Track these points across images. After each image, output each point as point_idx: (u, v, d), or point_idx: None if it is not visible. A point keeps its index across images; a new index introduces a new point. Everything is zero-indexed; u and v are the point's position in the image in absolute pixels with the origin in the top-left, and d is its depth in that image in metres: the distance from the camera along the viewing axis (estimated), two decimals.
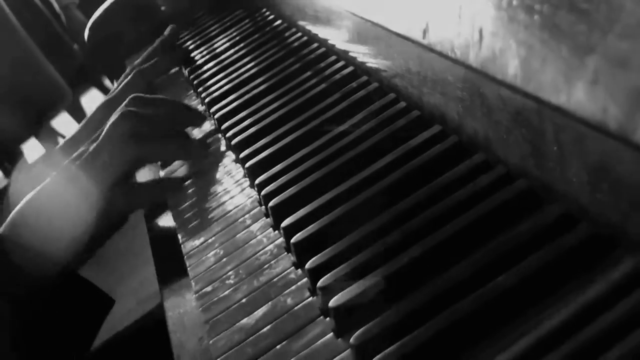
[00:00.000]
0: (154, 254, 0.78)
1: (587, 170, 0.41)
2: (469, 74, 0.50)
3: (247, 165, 0.73)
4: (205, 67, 1.07)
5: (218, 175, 0.79)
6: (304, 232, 0.57)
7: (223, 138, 0.85)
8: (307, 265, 0.54)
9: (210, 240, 0.67)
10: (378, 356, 0.43)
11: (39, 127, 2.74)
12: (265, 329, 0.53)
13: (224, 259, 0.63)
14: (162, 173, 0.87)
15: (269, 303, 0.55)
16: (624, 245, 0.41)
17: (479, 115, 0.52)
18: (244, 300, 0.57)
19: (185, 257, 0.67)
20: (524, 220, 0.46)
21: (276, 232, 0.63)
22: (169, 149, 0.84)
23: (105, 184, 0.79)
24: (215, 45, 1.15)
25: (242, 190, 0.73)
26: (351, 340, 0.45)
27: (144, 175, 0.93)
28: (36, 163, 1.02)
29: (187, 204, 0.77)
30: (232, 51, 1.07)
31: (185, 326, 0.60)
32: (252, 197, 0.70)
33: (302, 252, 0.56)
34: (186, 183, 0.81)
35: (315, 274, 0.53)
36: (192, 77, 1.07)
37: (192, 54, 1.17)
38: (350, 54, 0.79)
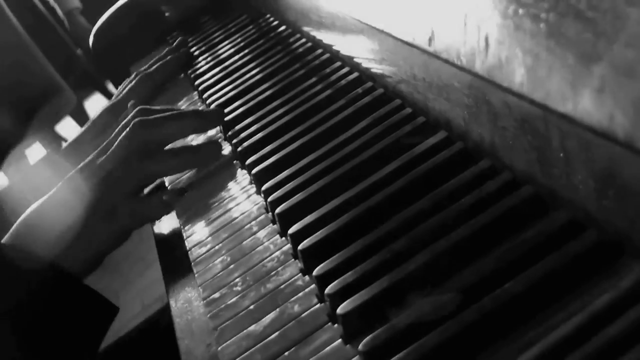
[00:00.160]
0: (161, 261, 0.78)
1: (593, 177, 0.41)
2: (475, 81, 0.51)
3: (253, 172, 0.73)
4: (210, 73, 1.08)
5: (224, 182, 0.79)
6: (311, 238, 0.57)
7: (229, 144, 0.85)
8: (315, 272, 0.54)
9: (217, 247, 0.68)
10: None
11: (31, 122, 2.73)
12: (273, 336, 0.53)
13: (231, 266, 0.64)
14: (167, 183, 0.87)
15: (277, 310, 0.55)
16: (630, 252, 0.41)
17: (485, 122, 0.53)
18: (251, 307, 0.57)
19: (192, 264, 0.68)
20: (531, 227, 0.47)
21: (283, 238, 0.63)
22: (181, 162, 0.84)
23: (114, 200, 0.79)
24: (220, 51, 1.15)
25: (249, 196, 0.73)
26: (359, 346, 0.46)
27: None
28: (38, 165, 1.02)
29: (194, 210, 0.77)
30: (237, 57, 1.08)
31: (193, 333, 0.60)
32: (258, 203, 0.71)
33: (309, 258, 0.57)
34: (193, 189, 0.81)
35: (322, 281, 0.53)
36: (197, 82, 1.07)
37: (197, 60, 1.17)
38: (355, 59, 0.79)
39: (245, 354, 0.53)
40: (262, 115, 0.85)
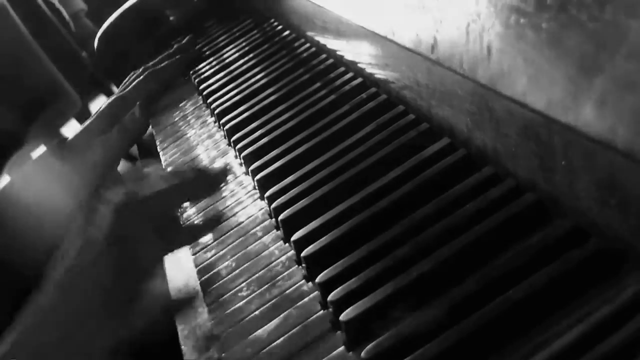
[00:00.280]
0: (166, 265, 0.78)
1: (596, 186, 0.41)
2: (478, 88, 0.51)
3: (257, 177, 0.73)
4: (214, 78, 1.08)
5: (229, 186, 0.80)
6: (314, 245, 0.58)
7: (233, 149, 0.85)
8: (318, 279, 0.54)
9: (222, 252, 0.68)
10: None
11: (35, 124, 2.73)
12: (277, 342, 0.53)
13: (236, 271, 0.64)
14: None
15: (281, 316, 0.56)
16: (633, 259, 0.41)
17: (488, 129, 0.53)
18: (256, 313, 0.57)
19: (197, 268, 0.68)
20: (534, 234, 0.47)
21: (287, 244, 0.64)
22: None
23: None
24: (225, 56, 1.15)
25: (254, 201, 0.73)
26: (362, 354, 0.46)
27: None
28: (43, 156, 1.01)
29: (199, 214, 0.78)
30: (241, 62, 1.08)
31: (197, 338, 0.61)
32: (263, 208, 0.71)
33: (312, 265, 0.57)
34: None
35: (325, 288, 0.53)
36: (201, 87, 1.07)
37: (201, 64, 1.17)
38: (359, 65, 0.79)
39: None
40: (266, 120, 0.85)
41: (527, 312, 0.43)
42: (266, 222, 0.68)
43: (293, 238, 0.60)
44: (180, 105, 1.10)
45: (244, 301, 0.60)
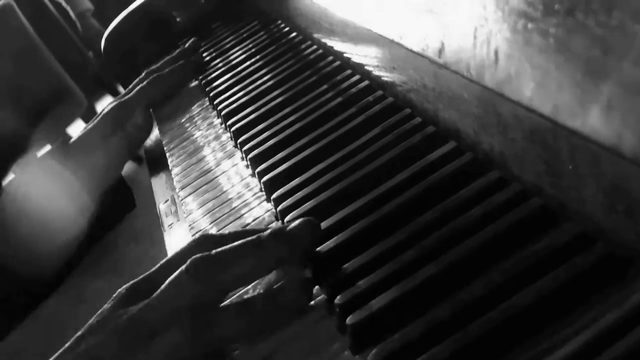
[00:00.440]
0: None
1: (602, 191, 0.41)
2: (485, 93, 0.51)
3: (263, 180, 0.73)
4: (221, 79, 1.08)
5: (236, 188, 0.80)
6: (320, 248, 0.58)
7: (240, 151, 0.85)
8: (324, 283, 0.54)
9: None
10: None
11: (41, 124, 2.74)
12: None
13: None
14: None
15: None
16: (639, 265, 0.41)
17: (494, 133, 0.53)
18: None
19: None
20: (540, 239, 0.47)
21: None
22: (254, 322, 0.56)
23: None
24: (231, 57, 1.15)
25: (260, 203, 0.74)
26: (368, 358, 0.46)
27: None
28: (45, 157, 1.02)
29: (206, 216, 0.78)
30: (247, 63, 1.08)
31: None
32: (269, 210, 0.71)
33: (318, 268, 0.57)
34: (205, 195, 0.82)
35: (332, 291, 0.53)
36: (207, 89, 1.08)
37: (208, 66, 1.18)
38: (366, 67, 0.79)
39: None
40: (273, 122, 0.85)
41: (533, 317, 0.43)
42: (273, 224, 0.68)
43: None
44: (187, 106, 1.10)
45: None
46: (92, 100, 3.51)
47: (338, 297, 0.52)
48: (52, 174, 0.92)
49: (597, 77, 0.36)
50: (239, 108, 0.94)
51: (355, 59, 0.82)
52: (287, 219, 0.64)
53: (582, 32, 0.38)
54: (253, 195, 0.76)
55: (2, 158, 2.45)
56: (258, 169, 0.76)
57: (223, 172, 0.84)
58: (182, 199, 0.84)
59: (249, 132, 0.86)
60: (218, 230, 0.73)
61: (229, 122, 0.92)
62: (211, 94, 1.05)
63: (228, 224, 0.73)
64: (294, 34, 1.07)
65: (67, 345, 0.54)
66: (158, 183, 0.96)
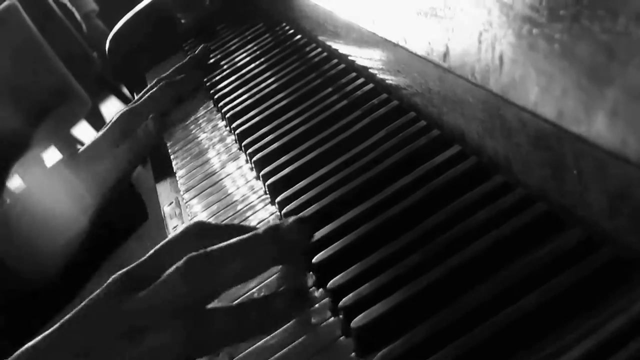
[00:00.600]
0: None
1: (607, 196, 0.41)
2: (490, 97, 0.51)
3: (267, 183, 0.73)
4: (226, 82, 1.08)
5: (241, 190, 0.80)
6: (325, 251, 0.58)
7: (244, 153, 0.86)
8: (329, 286, 0.54)
9: None
10: None
11: (44, 125, 2.74)
12: (287, 349, 0.53)
13: None
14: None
15: (292, 322, 0.56)
16: None
17: (499, 137, 0.53)
18: None
19: None
20: (544, 243, 0.47)
21: None
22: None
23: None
24: (236, 59, 1.16)
25: (265, 206, 0.74)
26: None
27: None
28: (56, 167, 1.02)
29: (210, 218, 0.78)
30: (252, 65, 1.08)
31: None
32: (274, 213, 0.71)
33: (323, 271, 0.57)
34: (209, 198, 0.82)
35: (336, 294, 0.53)
36: (212, 91, 1.08)
37: (213, 69, 1.18)
38: (371, 70, 0.79)
39: None
40: (277, 125, 0.85)
41: (538, 322, 0.43)
42: None
43: None
44: (192, 108, 1.10)
45: None
46: (96, 101, 3.51)
47: (343, 300, 0.52)
48: (62, 183, 0.92)
49: (602, 83, 0.36)
50: (243, 110, 0.95)
51: (360, 61, 0.82)
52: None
53: (587, 38, 0.38)
54: (258, 198, 0.76)
55: (5, 157, 2.45)
56: (263, 172, 0.76)
57: (228, 175, 0.84)
58: (186, 202, 0.84)
59: (253, 134, 0.86)
60: None
61: (234, 125, 0.92)
62: (216, 97, 1.05)
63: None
64: (298, 36, 1.07)
65: (56, 326, 0.53)
66: (162, 185, 0.96)
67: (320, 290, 0.57)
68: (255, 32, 1.23)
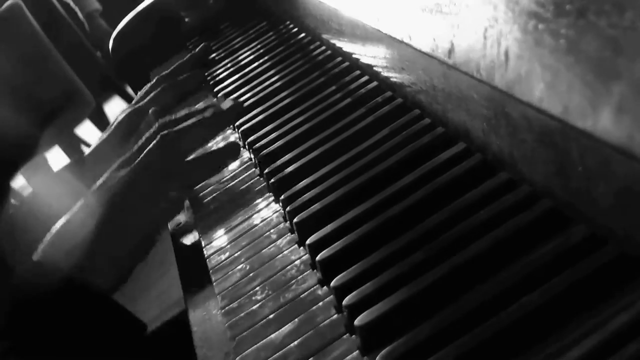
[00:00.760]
0: (179, 268, 0.79)
1: (613, 192, 0.41)
2: (495, 93, 0.51)
3: (271, 181, 0.73)
4: (229, 80, 1.08)
5: (243, 188, 0.80)
6: (329, 249, 0.58)
7: (248, 151, 0.85)
8: (333, 284, 0.54)
9: (236, 255, 0.68)
10: None
11: (49, 125, 2.74)
12: (291, 346, 0.53)
13: (250, 274, 0.64)
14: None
15: (295, 320, 0.56)
16: None
17: (504, 134, 0.53)
18: (270, 317, 0.57)
19: (210, 271, 0.68)
20: (550, 241, 0.47)
21: (302, 247, 0.64)
22: (205, 172, 0.85)
23: (142, 215, 0.80)
24: (240, 58, 1.15)
25: (268, 204, 0.74)
26: (377, 358, 0.46)
27: None
28: (62, 172, 1.03)
29: (213, 216, 0.78)
30: (256, 64, 1.08)
31: (211, 342, 0.61)
32: (278, 211, 0.71)
33: (327, 269, 0.57)
34: (212, 196, 0.82)
35: (340, 292, 0.53)
36: (216, 89, 1.08)
37: (217, 66, 1.18)
38: (375, 68, 0.79)
39: None
40: (281, 123, 0.85)
41: (543, 319, 0.42)
42: (281, 225, 0.68)
43: (308, 242, 0.60)
44: (195, 106, 1.10)
45: (258, 305, 0.60)
46: (100, 101, 3.51)
47: (347, 298, 0.51)
48: (68, 188, 0.92)
49: (608, 78, 0.36)
50: (247, 109, 0.94)
51: (364, 59, 0.82)
52: (295, 220, 0.64)
53: (593, 33, 0.37)
54: (260, 196, 0.76)
55: (11, 159, 2.45)
56: (266, 170, 0.76)
57: (231, 173, 0.84)
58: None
59: (257, 132, 0.86)
60: (226, 232, 0.73)
61: (237, 123, 0.92)
62: (219, 95, 1.05)
63: (236, 225, 0.73)
64: (302, 34, 1.07)
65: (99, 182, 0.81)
66: None
67: (325, 287, 0.57)
68: (259, 30, 1.23)
